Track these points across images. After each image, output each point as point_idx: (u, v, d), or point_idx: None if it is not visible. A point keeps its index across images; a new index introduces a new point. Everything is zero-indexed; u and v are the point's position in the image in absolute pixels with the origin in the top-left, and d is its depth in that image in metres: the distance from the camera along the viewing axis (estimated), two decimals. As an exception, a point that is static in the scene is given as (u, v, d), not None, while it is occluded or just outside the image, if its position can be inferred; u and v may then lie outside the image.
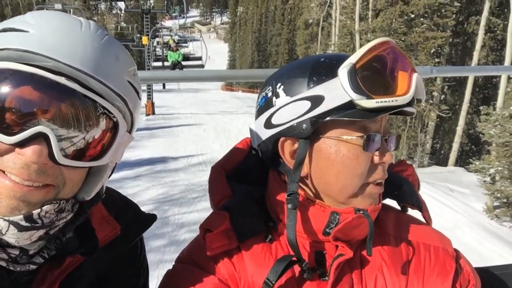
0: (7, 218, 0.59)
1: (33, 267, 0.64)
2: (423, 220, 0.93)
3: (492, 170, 10.04)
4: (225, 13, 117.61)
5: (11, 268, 0.62)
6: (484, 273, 0.98)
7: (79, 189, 0.67)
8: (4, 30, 0.60)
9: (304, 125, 0.77)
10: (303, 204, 0.80)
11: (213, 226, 0.80)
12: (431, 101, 15.79)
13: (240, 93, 48.52)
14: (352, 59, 0.75)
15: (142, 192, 9.50)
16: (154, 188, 10.00)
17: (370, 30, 17.47)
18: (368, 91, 0.73)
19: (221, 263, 0.81)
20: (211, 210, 0.91)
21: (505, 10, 13.13)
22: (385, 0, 16.17)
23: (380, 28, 16.15)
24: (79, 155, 0.62)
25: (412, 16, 15.72)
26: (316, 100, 0.76)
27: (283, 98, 0.80)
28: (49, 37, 0.58)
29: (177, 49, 21.47)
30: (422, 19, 15.78)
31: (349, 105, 0.74)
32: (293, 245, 0.77)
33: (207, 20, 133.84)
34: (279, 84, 0.81)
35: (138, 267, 0.88)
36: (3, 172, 0.58)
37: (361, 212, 0.77)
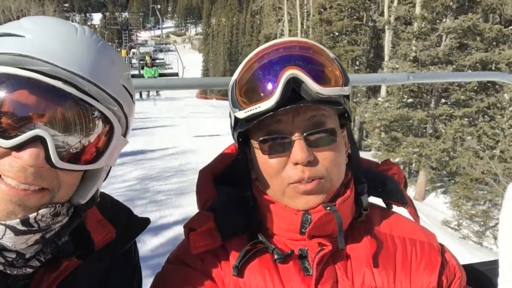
0: (3, 222, 0.59)
1: (29, 270, 0.64)
2: (408, 216, 0.95)
3: (376, 145, 14.00)
4: (200, 24, 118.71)
5: (8, 272, 0.62)
6: (469, 269, 0.99)
7: (74, 193, 0.67)
8: (0, 35, 0.61)
9: (235, 136, 0.86)
10: (276, 207, 0.83)
11: (196, 226, 0.81)
12: (355, 99, 19.75)
13: (214, 101, 49.84)
14: (235, 75, 0.82)
15: (127, 173, 12.14)
16: (136, 171, 12.58)
17: (307, 45, 21.37)
18: (241, 103, 0.79)
19: (208, 261, 0.83)
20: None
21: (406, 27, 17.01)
22: (314, 22, 20.07)
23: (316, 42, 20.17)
24: (75, 158, 0.62)
25: (337, 34, 19.89)
26: (230, 116, 0.87)
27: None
28: (46, 42, 0.59)
29: (153, 65, 21.70)
30: (344, 36, 20.01)
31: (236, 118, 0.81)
32: (259, 236, 0.83)
33: (182, 31, 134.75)
34: None
35: (132, 270, 0.88)
36: (0, 176, 0.58)
37: (329, 208, 0.78)
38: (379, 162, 1.02)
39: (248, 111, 0.77)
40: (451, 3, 12.47)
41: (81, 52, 0.61)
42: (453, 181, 12.99)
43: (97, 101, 0.62)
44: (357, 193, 0.87)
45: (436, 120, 12.68)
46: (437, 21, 13.15)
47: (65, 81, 0.59)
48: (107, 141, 0.66)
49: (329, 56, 0.82)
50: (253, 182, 0.88)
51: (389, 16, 14.66)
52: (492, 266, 1.13)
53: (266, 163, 0.80)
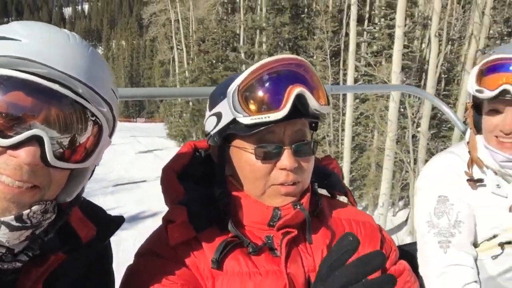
0: None
1: (18, 264, 0.67)
2: (348, 203, 1.12)
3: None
4: (100, 47, 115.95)
5: None
6: (398, 248, 1.13)
7: (60, 191, 0.70)
8: None
9: (216, 137, 0.93)
10: (248, 201, 0.93)
11: (174, 217, 0.88)
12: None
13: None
14: (238, 81, 0.87)
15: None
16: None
17: (191, 70, 26.16)
18: (246, 109, 0.84)
19: (182, 252, 0.89)
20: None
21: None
22: (195, 52, 24.12)
23: (198, 68, 24.64)
24: (68, 157, 0.65)
25: (214, 61, 24.65)
26: (219, 116, 0.92)
27: (207, 113, 0.98)
28: (42, 46, 0.62)
29: None
30: (219, 63, 24.60)
31: (235, 121, 0.87)
32: (233, 230, 0.90)
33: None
34: (208, 100, 0.99)
35: (109, 265, 0.94)
36: None
37: (298, 207, 0.91)
38: (320, 158, 1.14)
39: (255, 118, 0.84)
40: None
41: (76, 56, 0.64)
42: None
43: (89, 103, 0.66)
44: (312, 191, 0.99)
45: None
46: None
47: (61, 84, 0.62)
48: (96, 141, 0.69)
49: (318, 77, 0.92)
50: (226, 178, 0.96)
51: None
52: (412, 247, 1.40)
53: (254, 165, 0.89)
